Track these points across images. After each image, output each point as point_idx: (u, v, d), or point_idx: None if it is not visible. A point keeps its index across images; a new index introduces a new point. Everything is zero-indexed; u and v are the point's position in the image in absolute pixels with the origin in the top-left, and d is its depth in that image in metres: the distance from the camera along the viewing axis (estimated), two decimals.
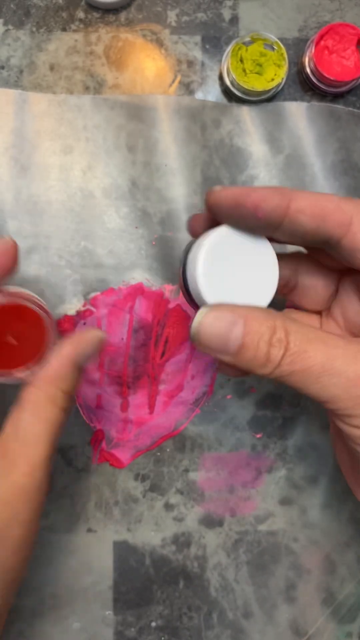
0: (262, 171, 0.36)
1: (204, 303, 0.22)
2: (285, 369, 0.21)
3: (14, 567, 0.24)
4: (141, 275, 0.35)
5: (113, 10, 0.35)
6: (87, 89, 0.35)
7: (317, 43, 0.34)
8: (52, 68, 0.35)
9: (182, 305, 0.35)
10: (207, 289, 0.22)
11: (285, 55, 0.34)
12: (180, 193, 0.35)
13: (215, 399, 0.36)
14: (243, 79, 0.34)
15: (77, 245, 0.35)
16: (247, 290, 0.22)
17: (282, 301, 0.28)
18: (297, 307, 0.27)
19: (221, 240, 0.22)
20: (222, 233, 0.22)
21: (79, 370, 0.25)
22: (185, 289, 0.23)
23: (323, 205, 0.21)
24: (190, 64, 0.36)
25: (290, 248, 0.27)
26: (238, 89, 0.35)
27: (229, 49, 0.34)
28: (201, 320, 0.21)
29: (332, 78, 0.34)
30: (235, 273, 0.22)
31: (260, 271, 0.23)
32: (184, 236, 0.35)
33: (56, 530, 0.35)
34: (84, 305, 0.35)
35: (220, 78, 0.36)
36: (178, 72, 0.36)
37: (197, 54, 0.36)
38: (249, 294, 0.22)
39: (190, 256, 0.23)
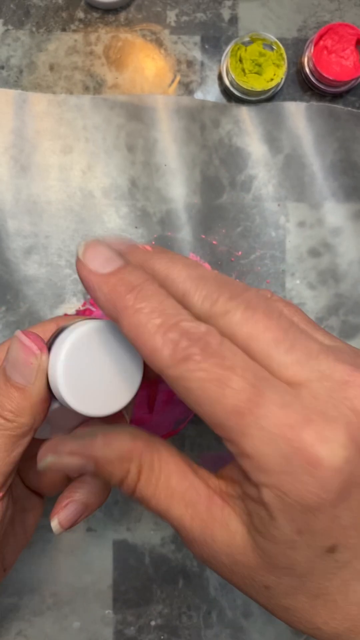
0: (261, 171, 0.36)
1: (63, 400, 0.21)
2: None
3: None
4: None
5: (112, 10, 0.36)
6: (86, 89, 0.35)
7: (316, 43, 0.35)
8: (51, 68, 0.35)
9: None
10: (67, 389, 0.21)
11: (285, 55, 0.35)
12: (179, 193, 0.35)
13: None
14: (242, 79, 0.35)
15: (77, 244, 0.35)
16: (107, 390, 0.22)
17: None
18: None
19: (88, 334, 0.21)
20: (90, 327, 0.21)
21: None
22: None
23: None
24: (189, 64, 0.36)
25: None
26: (237, 89, 0.35)
27: (228, 49, 0.35)
28: (53, 461, 0.21)
29: (331, 78, 0.34)
30: (98, 371, 0.21)
31: (123, 371, 0.22)
32: (184, 236, 0.35)
33: None
34: (83, 305, 0.35)
35: (220, 78, 0.36)
36: (177, 72, 0.36)
37: (197, 54, 0.36)
38: (109, 394, 0.22)
39: (54, 348, 0.21)
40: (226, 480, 0.20)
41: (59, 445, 0.21)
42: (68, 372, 0.21)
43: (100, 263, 0.19)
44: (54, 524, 0.24)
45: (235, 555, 0.19)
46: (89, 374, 0.21)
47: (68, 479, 0.26)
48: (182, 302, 0.19)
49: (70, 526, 0.24)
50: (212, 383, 0.17)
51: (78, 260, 0.19)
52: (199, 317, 0.18)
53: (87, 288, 0.19)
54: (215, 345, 0.17)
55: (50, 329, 0.23)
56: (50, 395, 0.22)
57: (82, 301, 0.35)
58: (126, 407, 0.23)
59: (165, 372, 0.18)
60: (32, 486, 0.26)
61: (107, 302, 0.19)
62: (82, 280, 0.19)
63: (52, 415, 0.23)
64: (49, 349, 0.21)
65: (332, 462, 0.17)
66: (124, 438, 0.21)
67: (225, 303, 0.18)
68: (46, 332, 0.22)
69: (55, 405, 0.22)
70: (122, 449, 0.20)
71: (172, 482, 0.20)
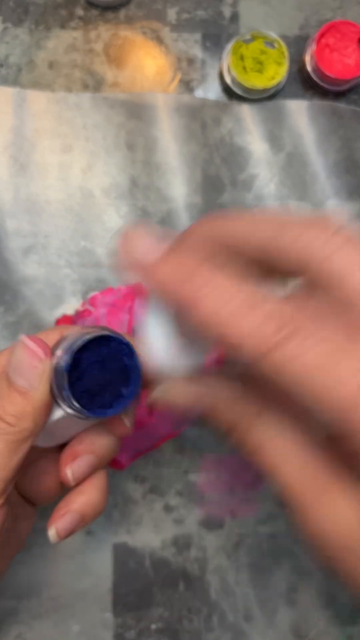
0: (262, 170, 0.35)
1: (67, 404, 0.22)
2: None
3: None
4: None
5: (112, 7, 0.35)
6: (86, 87, 0.35)
7: (318, 41, 0.34)
8: (51, 66, 0.35)
9: None
10: (74, 393, 0.22)
11: (286, 53, 0.34)
12: (180, 192, 0.35)
13: None
14: (243, 77, 0.34)
15: (77, 244, 0.35)
16: (109, 396, 0.23)
17: None
18: None
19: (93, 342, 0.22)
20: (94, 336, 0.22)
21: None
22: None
23: None
24: (190, 61, 0.36)
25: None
26: (238, 87, 0.35)
27: (230, 46, 0.34)
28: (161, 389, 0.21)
29: (333, 76, 0.34)
30: (102, 377, 0.23)
31: (125, 377, 0.23)
32: None
33: None
34: (82, 305, 0.35)
35: (221, 76, 0.36)
36: (178, 70, 0.36)
37: (197, 51, 0.36)
38: (111, 400, 0.23)
39: (58, 354, 0.22)
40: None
41: (179, 383, 0.21)
42: (75, 376, 0.22)
43: (150, 251, 0.18)
44: (52, 533, 0.24)
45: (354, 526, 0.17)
46: (94, 379, 0.22)
47: (62, 488, 0.26)
48: (264, 258, 0.17)
49: (67, 536, 0.25)
50: (322, 367, 0.15)
51: (126, 256, 0.18)
52: (289, 265, 0.17)
53: (146, 282, 0.18)
54: (314, 322, 0.15)
55: (54, 337, 0.23)
56: (52, 401, 0.22)
57: (81, 301, 0.35)
58: (127, 413, 0.24)
59: (261, 361, 0.15)
60: (26, 494, 0.26)
61: (170, 292, 0.17)
62: (142, 275, 0.18)
63: (56, 423, 0.23)
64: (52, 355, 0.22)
65: None
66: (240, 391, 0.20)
67: (324, 243, 0.17)
68: (49, 341, 0.23)
69: (57, 412, 0.23)
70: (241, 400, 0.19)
71: (288, 440, 0.18)
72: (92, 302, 0.35)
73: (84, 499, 0.25)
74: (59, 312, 0.34)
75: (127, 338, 0.23)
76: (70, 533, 0.25)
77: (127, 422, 0.24)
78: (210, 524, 0.36)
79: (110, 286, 0.35)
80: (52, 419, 0.23)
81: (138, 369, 0.23)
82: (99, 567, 0.35)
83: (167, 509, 0.35)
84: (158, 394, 0.22)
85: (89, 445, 0.24)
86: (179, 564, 0.35)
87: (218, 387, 0.20)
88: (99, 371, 0.22)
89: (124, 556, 0.35)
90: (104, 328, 0.23)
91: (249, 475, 0.36)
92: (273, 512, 0.36)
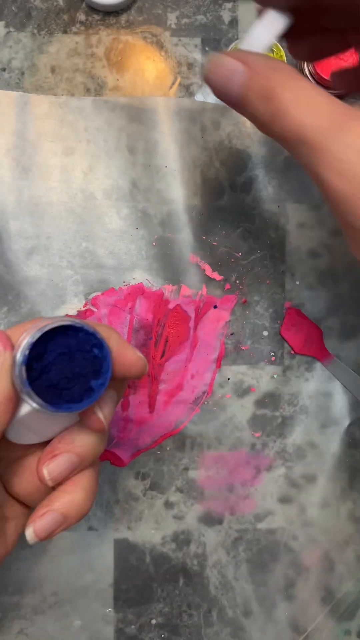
0: (261, 172, 0.36)
1: (28, 399, 0.22)
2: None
3: None
4: (141, 276, 0.35)
5: (113, 12, 0.36)
6: (87, 90, 0.35)
7: None
8: (53, 70, 0.35)
9: (182, 306, 0.35)
10: (31, 387, 0.21)
11: (285, 58, 0.35)
12: (180, 194, 0.35)
13: (214, 398, 0.36)
14: None
15: (78, 246, 0.35)
16: (72, 388, 0.22)
17: None
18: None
19: (52, 332, 0.22)
20: (52, 326, 0.21)
21: None
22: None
23: None
24: (190, 66, 0.36)
25: None
26: None
27: (229, 50, 0.35)
28: (212, 61, 0.23)
29: (330, 80, 0.34)
30: (62, 369, 0.22)
31: (86, 369, 0.22)
32: (184, 237, 0.35)
33: None
34: (84, 306, 0.35)
35: None
36: (178, 74, 0.36)
37: (197, 56, 0.36)
38: (74, 392, 0.22)
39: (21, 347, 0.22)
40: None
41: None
42: (31, 369, 0.21)
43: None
44: (29, 532, 0.23)
45: None
46: (61, 372, 0.21)
47: (51, 488, 0.25)
48: None
49: (46, 537, 0.23)
50: None
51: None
52: None
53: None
54: None
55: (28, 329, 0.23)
56: (16, 395, 0.21)
57: (83, 302, 0.35)
58: (102, 407, 0.23)
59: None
60: (14, 493, 0.26)
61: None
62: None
63: (28, 418, 0.22)
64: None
65: None
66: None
67: None
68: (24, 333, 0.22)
69: (24, 407, 0.22)
70: (273, 64, 0.22)
71: (314, 96, 0.21)
72: (94, 302, 0.35)
73: (67, 498, 0.24)
74: (61, 313, 0.35)
75: (97, 328, 0.22)
76: (50, 534, 0.23)
77: (102, 415, 0.23)
78: (210, 520, 0.36)
79: (112, 287, 0.35)
80: (20, 414, 0.22)
81: (108, 360, 0.22)
82: (100, 563, 0.35)
83: (168, 505, 0.36)
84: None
85: (69, 444, 0.23)
86: (179, 560, 0.36)
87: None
88: (68, 364, 0.21)
89: (124, 552, 0.35)
90: (67, 318, 0.21)
91: (247, 472, 0.36)
92: (272, 508, 0.36)
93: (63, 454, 0.23)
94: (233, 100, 0.23)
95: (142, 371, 0.24)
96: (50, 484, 0.23)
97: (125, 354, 0.23)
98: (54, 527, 0.23)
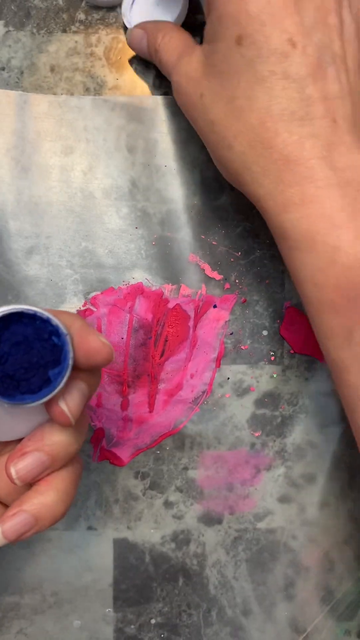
0: None
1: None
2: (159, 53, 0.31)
3: None
4: (141, 275, 0.35)
5: (113, 11, 0.36)
6: (87, 90, 0.35)
7: None
8: (52, 69, 0.35)
9: (182, 305, 0.35)
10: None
11: None
12: (179, 194, 0.35)
13: (214, 398, 0.36)
14: None
15: (78, 245, 0.35)
16: (29, 380, 0.21)
17: None
18: None
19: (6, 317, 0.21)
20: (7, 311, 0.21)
21: None
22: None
23: None
24: None
25: None
26: None
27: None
28: (129, 33, 0.34)
29: None
30: (19, 358, 0.21)
31: (44, 359, 0.21)
32: (184, 236, 0.35)
33: (56, 527, 0.35)
34: (84, 305, 0.35)
35: None
36: None
37: None
38: (32, 384, 0.21)
39: None
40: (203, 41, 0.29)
41: None
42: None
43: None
44: None
45: (189, 73, 0.28)
46: (18, 363, 0.21)
47: (27, 488, 0.24)
48: None
49: (16, 538, 0.23)
50: None
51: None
52: None
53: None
54: None
55: None
56: None
57: (83, 301, 0.35)
58: (67, 398, 0.22)
59: None
60: None
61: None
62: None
63: None
64: None
65: None
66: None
67: None
68: None
69: None
70: (158, 25, 0.33)
71: (176, 40, 0.31)
72: (94, 302, 0.35)
73: (39, 499, 0.23)
74: None
75: (58, 316, 0.21)
76: (20, 535, 0.23)
77: (66, 408, 0.22)
78: (210, 519, 0.36)
79: (111, 286, 0.35)
80: None
81: (66, 348, 0.21)
82: (99, 563, 0.35)
83: (167, 505, 0.36)
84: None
85: (38, 442, 0.23)
86: (179, 560, 0.36)
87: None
88: (25, 354, 0.20)
89: (124, 552, 0.36)
90: (19, 305, 0.21)
91: (247, 472, 0.36)
92: (271, 508, 0.36)
93: (32, 452, 0.22)
94: (147, 57, 0.33)
95: (108, 358, 0.22)
96: (18, 483, 0.23)
97: (87, 341, 0.22)
98: (24, 529, 0.22)
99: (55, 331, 0.21)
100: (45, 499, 0.23)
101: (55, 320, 0.21)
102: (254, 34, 0.25)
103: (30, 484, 0.24)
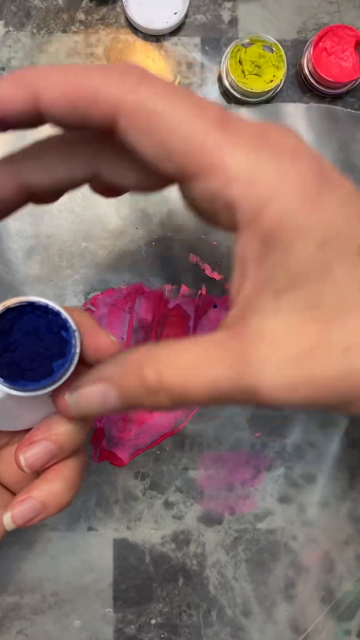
0: None
1: None
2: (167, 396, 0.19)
3: None
4: (141, 276, 0.35)
5: (113, 11, 0.36)
6: None
7: (316, 45, 0.35)
8: None
9: (182, 305, 0.35)
10: None
11: (284, 57, 0.35)
12: (180, 194, 0.35)
13: None
14: (242, 80, 0.35)
15: (78, 245, 0.35)
16: (37, 369, 0.22)
17: None
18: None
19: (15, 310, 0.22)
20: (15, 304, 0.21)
21: None
22: None
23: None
24: (189, 65, 0.36)
25: None
26: (237, 91, 0.35)
27: (228, 50, 0.35)
28: (74, 401, 0.22)
29: (330, 79, 0.34)
30: (27, 349, 0.22)
31: (52, 349, 0.22)
32: (184, 237, 0.35)
33: (57, 528, 0.35)
34: (84, 305, 0.35)
35: (220, 79, 0.36)
36: (178, 73, 0.36)
37: (197, 55, 0.36)
38: (39, 373, 0.22)
39: None
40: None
41: (74, 383, 0.21)
42: (3, 347, 0.21)
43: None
44: (6, 517, 0.23)
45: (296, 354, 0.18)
46: (26, 352, 0.21)
47: (36, 474, 0.25)
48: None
49: (24, 523, 0.23)
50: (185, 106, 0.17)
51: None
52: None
53: None
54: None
55: None
56: None
57: (83, 301, 0.35)
58: (72, 389, 0.22)
59: (123, 102, 0.17)
60: (2, 480, 0.26)
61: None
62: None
63: (3, 403, 0.22)
64: None
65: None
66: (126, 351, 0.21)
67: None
68: None
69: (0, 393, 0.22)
70: (127, 359, 0.20)
71: (189, 351, 0.19)
72: (94, 302, 0.35)
73: (47, 487, 0.24)
74: None
75: (70, 312, 0.22)
76: (28, 521, 0.23)
77: (69, 398, 0.22)
78: (210, 520, 0.36)
79: (111, 286, 0.35)
80: None
81: (72, 342, 0.21)
82: (99, 563, 0.35)
83: (167, 505, 0.36)
84: None
85: (46, 432, 0.23)
86: (179, 560, 0.36)
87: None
88: (34, 344, 0.21)
89: (124, 552, 0.35)
90: (32, 297, 0.21)
91: (247, 472, 0.36)
92: (271, 508, 0.36)
93: (40, 441, 0.23)
94: (120, 413, 0.22)
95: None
96: (27, 470, 0.23)
97: (97, 338, 0.22)
98: (32, 514, 0.23)
99: (64, 325, 0.21)
100: (53, 486, 0.24)
101: (64, 314, 0.21)
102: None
103: (38, 473, 0.24)
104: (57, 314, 0.21)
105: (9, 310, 0.21)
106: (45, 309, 0.21)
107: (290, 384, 0.17)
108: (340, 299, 0.17)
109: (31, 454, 0.23)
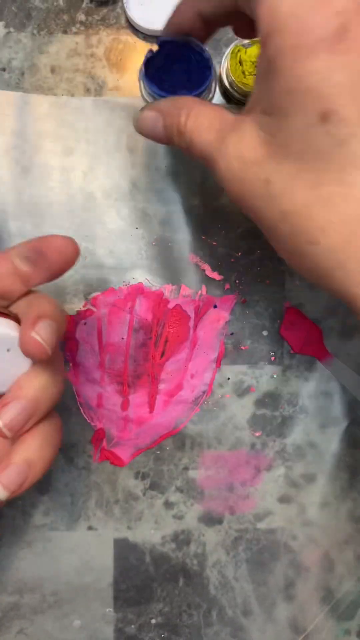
0: None
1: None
2: (187, 136, 0.25)
3: None
4: (141, 276, 0.35)
5: (114, 12, 0.36)
6: (87, 91, 0.36)
7: None
8: (53, 70, 0.35)
9: (182, 305, 0.35)
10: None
11: None
12: (180, 195, 0.35)
13: (214, 398, 0.36)
14: (242, 80, 0.35)
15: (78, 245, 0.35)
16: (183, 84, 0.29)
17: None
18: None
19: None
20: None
21: None
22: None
23: None
24: None
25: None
26: (237, 91, 0.35)
27: (228, 50, 0.35)
28: (137, 118, 0.28)
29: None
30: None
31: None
32: (184, 237, 0.35)
33: (57, 528, 0.35)
34: (84, 305, 0.35)
35: (220, 80, 0.36)
36: None
37: None
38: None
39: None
40: (249, 111, 0.24)
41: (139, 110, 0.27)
42: (158, 64, 0.29)
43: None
44: None
45: (244, 155, 0.23)
46: (174, 74, 0.29)
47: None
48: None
49: (16, 488, 0.24)
50: None
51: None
52: None
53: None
54: None
55: None
56: None
57: (83, 301, 0.35)
58: (38, 332, 0.24)
59: None
60: None
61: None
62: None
63: None
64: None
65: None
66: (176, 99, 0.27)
67: None
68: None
69: None
70: (177, 103, 0.26)
71: (208, 116, 0.25)
72: (94, 302, 0.35)
73: (25, 446, 0.24)
74: None
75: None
76: (19, 485, 0.24)
77: (37, 337, 0.23)
78: (210, 520, 0.36)
79: (111, 287, 0.35)
80: None
81: (210, 77, 0.28)
82: (100, 563, 0.35)
83: (167, 505, 0.36)
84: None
85: (17, 391, 0.24)
86: (179, 560, 0.36)
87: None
88: (184, 71, 0.29)
89: (124, 552, 0.36)
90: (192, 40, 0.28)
91: (247, 472, 0.36)
92: (271, 508, 0.36)
93: (13, 402, 0.23)
94: (164, 141, 0.27)
95: (74, 253, 0.27)
96: (8, 434, 0.24)
97: (52, 240, 0.26)
98: (20, 477, 0.24)
99: (207, 66, 0.28)
100: (30, 445, 0.24)
101: (207, 54, 0.28)
102: (343, 110, 0.20)
103: (12, 436, 0.25)
104: (207, 58, 0.28)
105: (166, 42, 0.28)
106: (200, 53, 0.28)
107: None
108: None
109: (7, 415, 0.23)
